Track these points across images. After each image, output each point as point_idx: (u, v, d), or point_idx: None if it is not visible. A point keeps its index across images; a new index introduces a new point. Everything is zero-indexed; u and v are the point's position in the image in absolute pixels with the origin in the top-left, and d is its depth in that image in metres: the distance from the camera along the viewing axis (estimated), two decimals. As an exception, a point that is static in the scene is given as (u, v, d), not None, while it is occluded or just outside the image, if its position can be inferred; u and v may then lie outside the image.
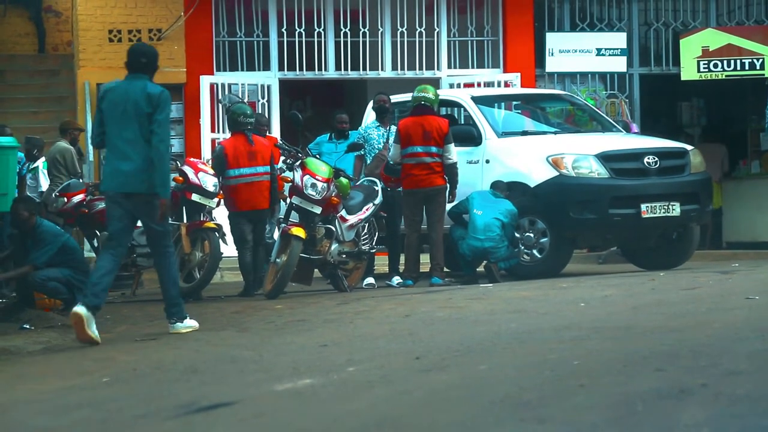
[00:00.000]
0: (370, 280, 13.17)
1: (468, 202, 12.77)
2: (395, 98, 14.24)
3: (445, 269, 14.46)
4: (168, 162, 9.10)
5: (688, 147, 13.88)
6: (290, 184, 12.48)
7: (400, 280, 12.98)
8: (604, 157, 12.97)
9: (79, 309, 8.90)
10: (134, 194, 9.08)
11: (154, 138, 8.95)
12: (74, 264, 11.45)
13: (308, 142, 14.33)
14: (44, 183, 14.67)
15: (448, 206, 12.92)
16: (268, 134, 14.28)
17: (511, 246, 12.77)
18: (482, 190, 12.92)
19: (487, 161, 13.48)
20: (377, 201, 12.93)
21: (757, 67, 17.99)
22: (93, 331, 8.95)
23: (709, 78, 18.06)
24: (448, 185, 12.82)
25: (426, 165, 12.80)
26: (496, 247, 12.60)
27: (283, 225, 12.35)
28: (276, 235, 12.84)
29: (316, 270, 12.70)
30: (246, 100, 17.38)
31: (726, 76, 18.04)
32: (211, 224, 12.51)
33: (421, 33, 17.93)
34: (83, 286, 11.47)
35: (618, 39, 18.17)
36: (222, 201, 12.97)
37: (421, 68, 17.93)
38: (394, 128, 13.36)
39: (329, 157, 13.58)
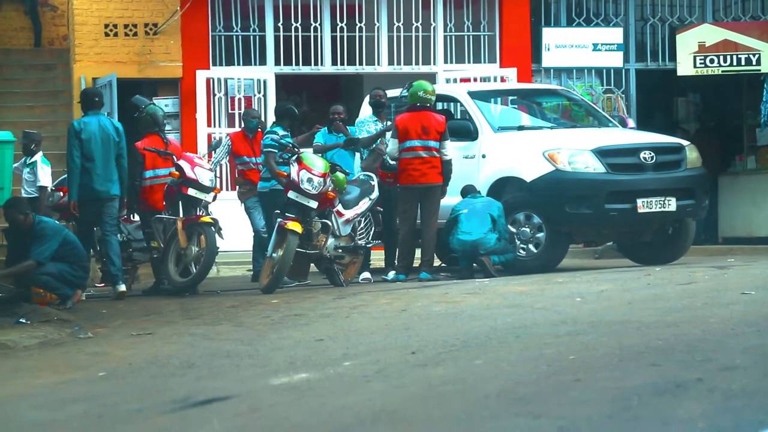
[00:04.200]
0: (366, 275, 13.17)
1: (453, 212, 12.83)
2: (392, 93, 14.21)
3: (442, 264, 14.48)
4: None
5: (685, 142, 13.88)
6: (287, 178, 12.46)
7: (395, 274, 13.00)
8: (600, 152, 12.97)
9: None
10: (106, 198, 12.37)
11: (123, 160, 12.50)
12: (73, 258, 11.41)
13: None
14: (43, 177, 14.64)
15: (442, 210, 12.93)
16: (260, 129, 14.26)
17: (505, 240, 12.78)
18: (462, 200, 12.96)
19: (483, 156, 13.47)
20: (373, 196, 12.92)
21: (753, 63, 17.99)
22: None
23: (705, 73, 18.07)
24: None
25: (423, 160, 12.81)
26: (484, 238, 12.61)
27: (279, 220, 12.34)
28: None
29: (311, 264, 12.70)
30: (242, 94, 17.40)
31: (722, 71, 18.04)
32: (207, 219, 12.50)
33: (417, 28, 17.91)
34: (79, 282, 11.47)
35: (614, 34, 18.17)
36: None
37: (417, 63, 17.92)
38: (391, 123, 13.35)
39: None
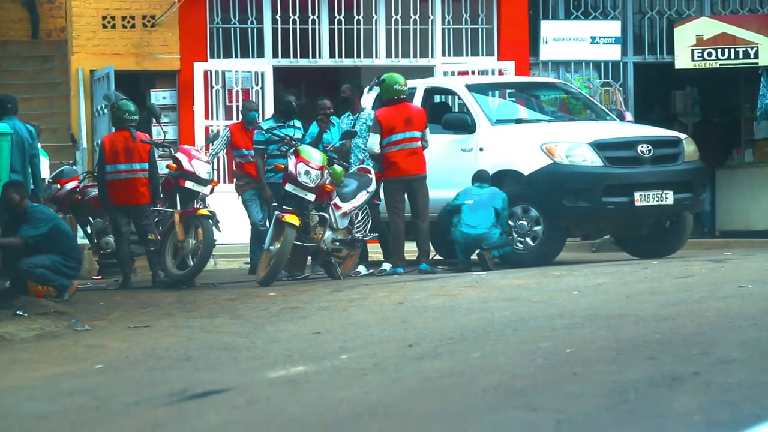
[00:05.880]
0: (359, 267, 13.14)
1: (457, 199, 12.80)
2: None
3: (438, 257, 14.48)
4: None
5: (682, 135, 13.89)
6: (284, 171, 12.45)
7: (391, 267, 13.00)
8: (598, 146, 12.97)
9: None
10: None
11: (37, 159, 12.55)
12: (65, 249, 11.39)
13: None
14: (43, 168, 14.64)
15: (437, 201, 12.92)
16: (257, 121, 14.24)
17: (505, 234, 12.77)
18: (468, 187, 12.92)
19: (481, 149, 13.47)
20: (371, 189, 12.92)
21: (751, 56, 17.99)
22: None
23: (703, 67, 18.07)
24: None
25: (408, 151, 12.83)
26: (488, 233, 12.60)
27: (276, 212, 12.34)
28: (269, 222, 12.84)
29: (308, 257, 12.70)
30: (240, 87, 17.39)
31: (720, 64, 18.04)
32: (204, 211, 12.49)
33: (415, 20, 17.90)
34: (74, 273, 11.46)
35: (612, 27, 18.17)
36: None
37: (415, 56, 17.91)
38: (366, 111, 13.33)
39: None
